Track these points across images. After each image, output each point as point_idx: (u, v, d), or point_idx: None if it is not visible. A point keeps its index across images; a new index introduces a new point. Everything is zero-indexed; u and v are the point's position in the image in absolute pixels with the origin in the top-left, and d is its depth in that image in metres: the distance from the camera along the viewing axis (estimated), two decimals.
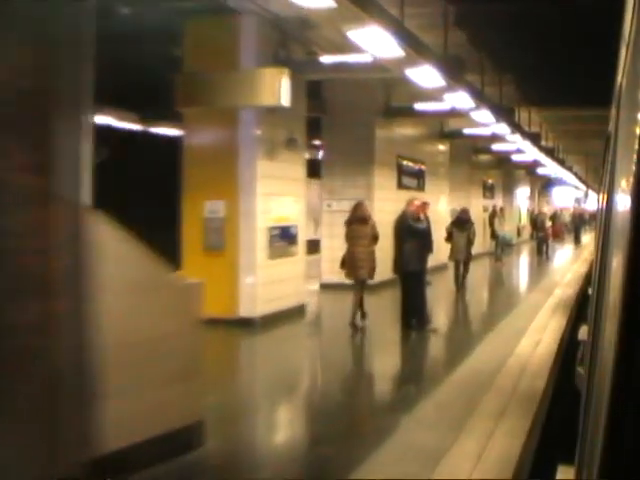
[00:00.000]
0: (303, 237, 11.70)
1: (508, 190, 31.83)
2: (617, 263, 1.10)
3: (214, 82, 9.38)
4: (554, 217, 36.32)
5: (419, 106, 14.76)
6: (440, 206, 19.64)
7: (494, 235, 22.26)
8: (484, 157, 26.12)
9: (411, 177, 17.09)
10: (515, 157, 26.71)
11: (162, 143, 14.48)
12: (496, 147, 23.63)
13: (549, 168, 30.30)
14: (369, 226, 10.10)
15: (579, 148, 32.12)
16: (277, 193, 10.84)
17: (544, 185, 43.54)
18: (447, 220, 20.52)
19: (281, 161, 10.88)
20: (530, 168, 32.51)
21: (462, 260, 14.95)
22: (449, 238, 15.07)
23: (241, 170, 10.31)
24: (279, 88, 8.91)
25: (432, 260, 17.94)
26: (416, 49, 8.62)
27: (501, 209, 23.62)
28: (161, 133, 15.77)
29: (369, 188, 14.69)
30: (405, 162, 16.70)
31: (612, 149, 1.87)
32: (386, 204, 14.84)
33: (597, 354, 1.53)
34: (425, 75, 9.56)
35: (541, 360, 8.03)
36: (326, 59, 10.77)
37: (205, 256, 10.46)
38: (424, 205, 15.31)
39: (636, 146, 0.96)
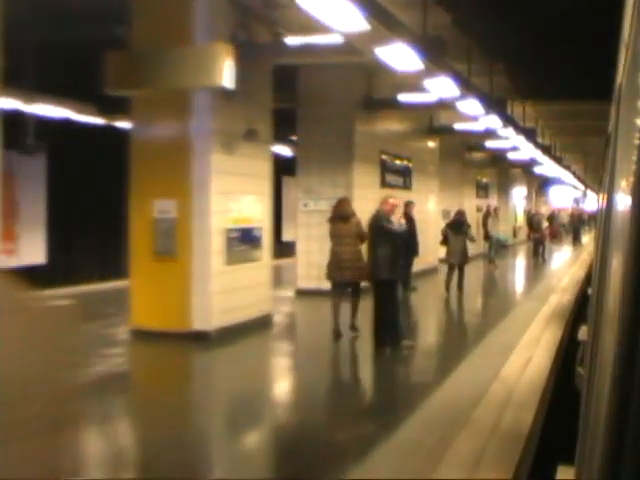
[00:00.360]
0: (268, 240, 10.51)
1: (504, 189, 30.87)
2: (617, 263, 1.13)
3: (147, 61, 8.17)
4: (551, 217, 35.40)
5: (403, 97, 13.57)
6: (429, 206, 18.51)
7: (487, 236, 20.85)
8: (478, 155, 25.03)
9: (396, 175, 15.89)
10: (511, 155, 25.70)
11: (112, 136, 13.30)
12: (490, 144, 22.56)
13: (546, 167, 29.23)
14: (352, 224, 9.17)
15: (577, 146, 31.11)
16: (236, 191, 9.64)
17: (541, 185, 42.56)
18: (437, 221, 19.66)
19: (241, 155, 9.69)
20: (527, 167, 31.60)
21: (457, 264, 13.91)
22: (444, 241, 14.07)
23: (194, 165, 9.13)
24: (222, 67, 7.70)
25: (421, 263, 16.90)
26: (386, 24, 7.44)
27: (495, 209, 22.31)
28: (110, 125, 14.52)
29: (348, 186, 13.46)
30: (389, 159, 15.51)
31: (612, 149, 1.90)
32: (368, 204, 13.66)
33: (597, 354, 1.57)
34: (400, 55, 8.37)
35: (531, 384, 6.87)
36: (292, 41, 9.59)
37: (155, 262, 9.31)
38: (408, 205, 14.29)
39: (636, 146, 0.98)
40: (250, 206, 9.91)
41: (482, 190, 26.77)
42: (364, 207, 12.29)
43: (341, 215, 9.29)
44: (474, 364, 7.59)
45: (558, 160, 28.16)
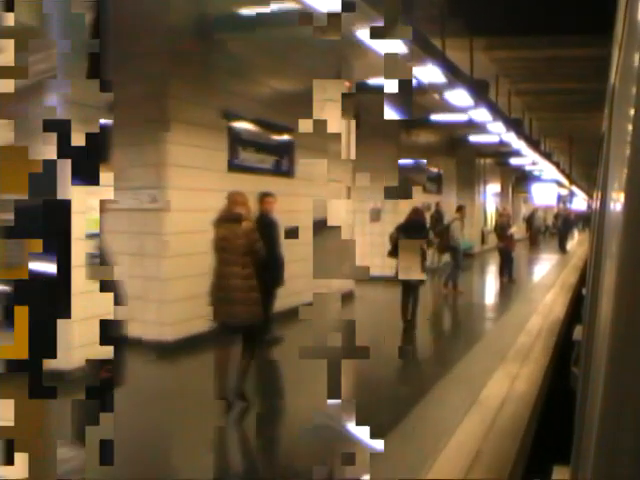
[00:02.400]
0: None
1: (466, 184, 27.83)
2: (611, 263, 1.26)
3: None
4: (530, 219, 33.42)
5: (248, 11, 9.35)
6: (332, 204, 14.24)
7: (447, 247, 16.25)
8: (423, 135, 21.18)
9: (261, 153, 11.47)
10: (473, 138, 23.12)
11: None
12: (437, 117, 18.56)
13: (524, 158, 26.93)
14: (241, 231, 6.91)
15: (559, 128, 28.60)
16: None
17: (520, 180, 40.24)
18: (355, 225, 16.53)
19: None
20: (499, 156, 29.49)
21: (415, 282, 11.20)
22: (394, 252, 11.24)
23: None
24: None
25: (314, 290, 12.61)
26: None
27: (461, 208, 17.17)
28: None
29: (161, 167, 9.24)
30: (246, 126, 11.06)
31: (606, 149, 2.13)
32: (200, 199, 9.46)
33: (592, 354, 1.77)
34: None
35: None
36: None
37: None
38: (263, 200, 9.94)
39: (629, 146, 1.12)
40: None
41: (432, 183, 23.39)
42: (190, 204, 9.48)
43: (227, 216, 7.09)
44: None
45: (534, 144, 24.69)
